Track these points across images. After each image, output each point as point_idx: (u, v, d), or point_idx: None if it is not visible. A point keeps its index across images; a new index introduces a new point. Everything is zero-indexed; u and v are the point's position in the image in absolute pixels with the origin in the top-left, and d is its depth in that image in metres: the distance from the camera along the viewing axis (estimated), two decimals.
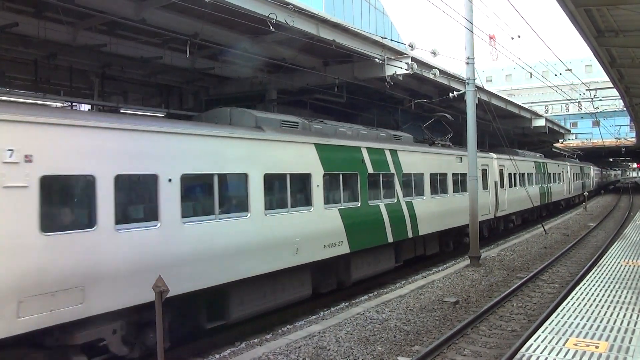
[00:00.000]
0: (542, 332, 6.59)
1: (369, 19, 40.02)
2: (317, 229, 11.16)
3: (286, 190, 10.50)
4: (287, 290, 10.64)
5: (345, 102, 16.81)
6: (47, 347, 6.90)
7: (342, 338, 8.96)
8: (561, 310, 7.62)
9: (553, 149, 47.83)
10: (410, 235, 14.79)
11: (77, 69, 13.34)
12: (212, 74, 15.25)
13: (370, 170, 13.06)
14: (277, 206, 10.36)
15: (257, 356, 8.21)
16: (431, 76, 16.05)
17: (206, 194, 8.93)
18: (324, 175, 11.45)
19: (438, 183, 16.91)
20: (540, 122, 33.24)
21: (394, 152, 14.31)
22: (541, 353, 5.85)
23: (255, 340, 9.46)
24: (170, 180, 7.96)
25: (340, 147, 12.23)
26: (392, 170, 14.12)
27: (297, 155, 10.92)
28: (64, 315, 6.52)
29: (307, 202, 11.08)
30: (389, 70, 14.77)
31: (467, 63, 15.76)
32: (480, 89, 18.62)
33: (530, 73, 26.77)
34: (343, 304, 12.15)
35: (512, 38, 45.00)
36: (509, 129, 30.44)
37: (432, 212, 16.22)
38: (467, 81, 15.83)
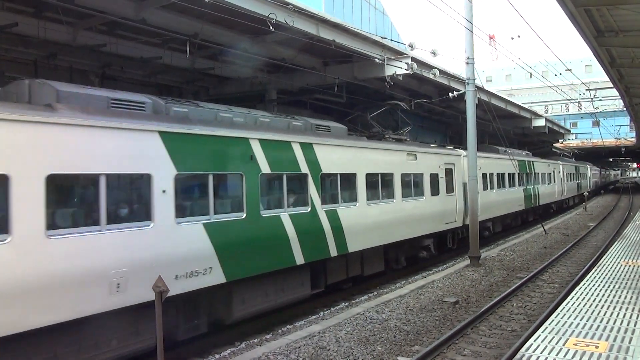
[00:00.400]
0: (542, 332, 6.59)
1: (369, 19, 40.02)
2: (161, 253, 7.82)
3: (98, 200, 7.14)
4: (97, 347, 7.22)
5: (345, 102, 16.82)
6: None
7: (342, 338, 8.96)
8: (561, 310, 7.62)
9: (553, 149, 47.85)
10: (333, 253, 11.58)
11: (77, 69, 13.34)
12: (212, 74, 15.25)
13: (266, 169, 9.87)
14: (78, 223, 7.01)
15: (257, 356, 8.21)
16: (431, 76, 16.07)
17: None
18: (177, 176, 8.23)
19: (380, 186, 13.46)
20: (540, 122, 33.25)
21: (307, 147, 11.01)
22: (541, 353, 5.85)
23: (255, 340, 9.46)
24: None
25: (208, 137, 8.82)
26: (305, 170, 10.86)
27: (124, 147, 7.51)
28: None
29: (144, 215, 7.76)
30: (389, 70, 14.78)
31: (467, 63, 15.76)
32: (480, 89, 18.62)
33: (530, 73, 26.79)
34: (343, 304, 12.14)
35: (512, 38, 45.20)
36: (509, 129, 30.45)
37: (371, 223, 12.93)
38: (467, 81, 15.84)
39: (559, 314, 7.45)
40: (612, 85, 19.12)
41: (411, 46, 14.49)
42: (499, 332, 9.51)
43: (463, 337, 9.19)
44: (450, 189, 17.41)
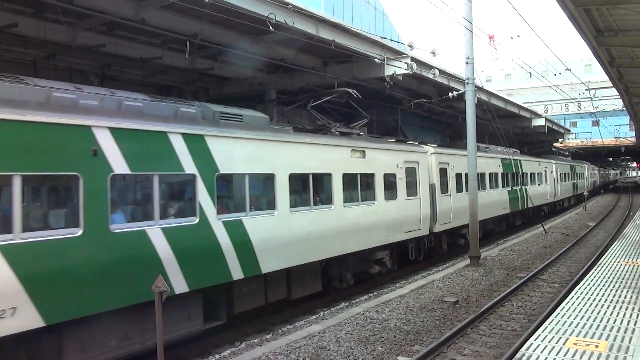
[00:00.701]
0: (542, 332, 6.59)
1: (369, 19, 40.02)
2: None
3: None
4: None
5: (345, 102, 16.82)
6: None
7: (342, 338, 8.96)
8: (561, 310, 7.62)
9: (553, 149, 47.86)
10: (237, 275, 9.08)
11: (76, 69, 13.34)
12: (211, 74, 15.26)
13: (121, 169, 7.42)
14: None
15: (257, 356, 8.21)
16: (431, 76, 16.08)
17: None
18: None
19: (311, 190, 11.07)
20: (540, 122, 33.28)
21: (195, 140, 8.54)
22: (541, 352, 5.85)
23: (255, 340, 9.45)
24: None
25: (19, 124, 6.36)
26: (191, 170, 8.40)
27: None
28: None
29: None
30: (389, 70, 14.79)
31: (467, 63, 15.76)
32: (479, 88, 18.62)
33: (530, 73, 26.80)
34: (343, 303, 12.14)
35: (512, 38, 45.20)
36: (508, 128, 30.46)
37: (298, 235, 10.51)
38: (466, 81, 15.84)
39: (559, 313, 7.45)
40: (611, 85, 19.12)
41: (411, 46, 14.50)
42: (499, 332, 9.51)
43: (463, 336, 9.19)
44: (412, 192, 14.89)
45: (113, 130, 7.37)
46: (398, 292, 12.35)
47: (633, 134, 47.82)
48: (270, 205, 10.02)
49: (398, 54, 15.12)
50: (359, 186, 12.60)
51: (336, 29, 12.92)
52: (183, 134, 8.37)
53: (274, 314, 10.78)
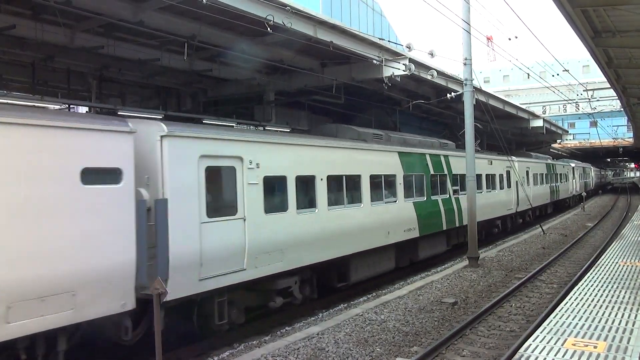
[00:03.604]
0: (541, 333, 6.60)
1: (367, 20, 40.08)
2: None
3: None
4: None
5: (343, 103, 16.83)
6: None
7: (340, 339, 8.95)
8: (559, 311, 7.63)
9: (551, 149, 47.92)
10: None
11: (74, 71, 13.31)
12: (210, 76, 15.24)
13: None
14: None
15: (255, 358, 8.21)
16: (429, 77, 16.08)
17: None
18: None
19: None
20: (538, 123, 33.29)
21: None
22: (540, 353, 5.85)
23: (254, 342, 9.44)
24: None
25: None
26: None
27: None
28: None
29: None
30: (387, 72, 14.78)
31: (465, 64, 15.79)
32: (477, 89, 18.64)
33: (528, 74, 26.82)
34: (342, 305, 12.14)
35: (509, 39, 45.10)
36: (506, 129, 30.46)
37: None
38: (464, 82, 15.86)
39: (557, 314, 7.46)
40: (609, 86, 19.16)
41: (409, 47, 14.48)
42: (497, 333, 9.51)
43: (462, 337, 9.20)
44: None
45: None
46: (397, 293, 12.36)
47: (631, 134, 47.91)
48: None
49: (396, 55, 15.12)
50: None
51: (334, 31, 12.92)
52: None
53: (273, 315, 10.77)
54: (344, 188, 12.49)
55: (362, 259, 13.05)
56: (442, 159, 17.71)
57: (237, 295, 9.60)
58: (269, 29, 10.50)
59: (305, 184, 11.34)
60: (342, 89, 15.61)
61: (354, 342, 8.82)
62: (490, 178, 21.90)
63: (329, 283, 12.42)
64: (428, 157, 16.71)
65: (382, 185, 14.06)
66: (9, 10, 9.91)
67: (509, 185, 23.97)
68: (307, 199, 11.37)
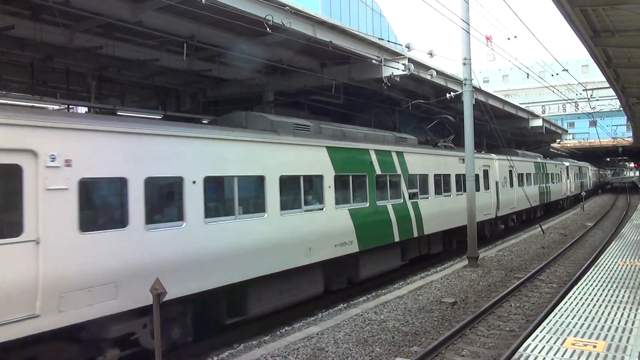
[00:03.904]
0: (540, 332, 6.60)
1: (366, 20, 40.09)
2: None
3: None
4: None
5: (343, 103, 16.83)
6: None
7: (340, 339, 8.95)
8: (559, 310, 7.63)
9: (550, 149, 47.94)
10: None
11: (74, 71, 13.31)
12: (209, 76, 15.24)
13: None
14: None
15: (255, 358, 8.20)
16: (428, 77, 16.09)
17: None
18: None
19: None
20: (538, 123, 33.32)
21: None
22: (539, 353, 5.85)
23: (254, 342, 9.44)
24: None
25: None
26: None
27: None
28: None
29: None
30: (386, 72, 14.78)
31: (464, 64, 15.79)
32: (477, 89, 18.65)
33: (527, 73, 26.83)
34: (341, 305, 12.14)
35: (509, 38, 45.06)
36: (506, 129, 30.47)
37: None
38: (464, 82, 15.86)
39: (557, 313, 7.46)
40: (608, 86, 19.16)
41: (408, 47, 14.48)
42: (497, 333, 9.51)
43: (462, 337, 9.20)
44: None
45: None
46: (396, 293, 12.36)
47: (630, 134, 47.94)
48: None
49: (395, 55, 15.12)
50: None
51: (333, 31, 12.92)
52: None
53: (272, 315, 10.77)
54: (235, 194, 9.48)
55: (267, 284, 10.17)
56: (395, 156, 14.64)
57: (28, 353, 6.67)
58: (268, 29, 10.50)
59: (164, 189, 8.69)
60: (341, 89, 15.61)
61: (353, 342, 8.82)
62: (461, 179, 18.31)
63: (215, 318, 9.56)
64: (373, 154, 13.57)
65: (300, 189, 11.07)
66: (7, 11, 9.91)
67: (486, 187, 21.02)
68: (168, 209, 8.59)
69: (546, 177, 31.67)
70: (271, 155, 10.45)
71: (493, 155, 22.60)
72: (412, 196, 15.35)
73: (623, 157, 78.21)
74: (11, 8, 9.90)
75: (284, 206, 10.58)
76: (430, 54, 14.75)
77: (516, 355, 5.81)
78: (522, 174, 26.17)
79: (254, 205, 10.12)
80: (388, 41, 15.39)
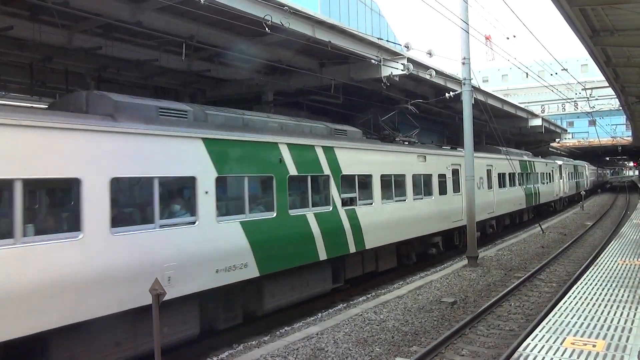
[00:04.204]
0: (540, 332, 6.60)
1: (365, 20, 40.09)
2: None
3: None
4: None
5: (342, 103, 16.82)
6: None
7: (340, 339, 8.95)
8: (559, 310, 7.63)
9: (550, 148, 47.95)
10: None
11: (73, 71, 13.30)
12: (208, 76, 15.24)
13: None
14: None
15: (254, 358, 8.21)
16: (427, 77, 16.10)
17: None
18: None
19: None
20: (537, 122, 33.34)
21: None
22: (539, 352, 5.85)
23: (253, 342, 9.44)
24: None
25: None
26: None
27: None
28: None
29: None
30: (385, 71, 14.79)
31: (463, 63, 15.79)
32: (476, 89, 18.65)
33: (527, 73, 26.85)
34: (341, 305, 12.14)
35: (508, 38, 45.05)
36: (505, 128, 30.48)
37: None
38: (463, 81, 15.87)
39: (556, 313, 7.46)
40: (608, 85, 19.17)
41: (407, 47, 14.49)
42: (497, 332, 9.52)
43: (461, 337, 9.20)
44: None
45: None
46: (396, 292, 12.36)
47: (630, 133, 47.98)
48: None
49: (394, 55, 15.13)
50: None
51: (332, 30, 12.92)
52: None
53: (272, 315, 10.76)
54: (13, 205, 6.44)
55: (90, 331, 7.20)
56: (321, 153, 11.67)
57: None
58: (267, 29, 10.51)
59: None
60: (340, 89, 15.61)
61: (353, 342, 8.82)
62: (420, 180, 15.94)
63: None
64: (285, 150, 10.64)
65: (153, 197, 8.09)
66: (6, 12, 9.90)
67: (456, 189, 18.28)
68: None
69: (534, 177, 28.99)
70: (92, 148, 7.34)
71: (453, 153, 19.52)
72: (348, 202, 12.42)
73: (622, 156, 78.26)
74: (10, 9, 9.90)
75: (121, 221, 7.62)
76: (430, 54, 14.77)
77: (516, 355, 5.81)
78: (503, 174, 23.30)
79: (64, 222, 7.20)
80: (387, 41, 15.40)
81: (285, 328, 10.34)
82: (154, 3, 10.06)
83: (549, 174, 33.06)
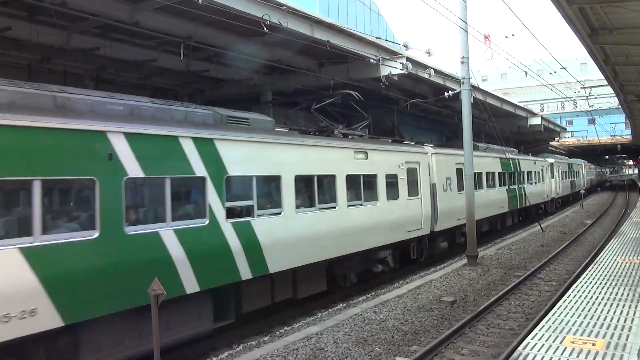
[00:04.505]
0: (540, 330, 6.59)
1: (364, 19, 40.08)
2: None
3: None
4: None
5: (341, 103, 16.81)
6: None
7: (339, 339, 8.94)
8: (558, 308, 7.62)
9: (549, 147, 47.99)
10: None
11: (71, 72, 13.30)
12: (207, 76, 15.23)
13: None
14: None
15: (254, 358, 8.19)
16: (426, 76, 16.11)
17: None
18: None
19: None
20: (536, 121, 33.38)
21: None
22: (538, 351, 5.84)
23: (253, 343, 9.43)
24: None
25: None
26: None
27: None
28: None
29: None
30: (384, 71, 14.79)
31: (462, 62, 15.79)
32: (475, 88, 18.64)
33: (526, 72, 26.85)
34: (341, 304, 12.13)
35: (506, 37, 45.05)
36: (505, 127, 30.48)
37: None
38: (462, 80, 15.86)
39: (556, 312, 7.45)
40: (606, 83, 19.17)
41: (406, 46, 14.50)
42: (497, 331, 9.51)
43: (461, 336, 9.19)
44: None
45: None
46: (396, 292, 12.35)
47: (629, 131, 48.01)
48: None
49: (393, 54, 15.13)
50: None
51: (331, 30, 12.92)
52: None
53: (272, 315, 10.76)
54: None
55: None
56: (191, 147, 8.71)
57: None
58: (265, 28, 10.51)
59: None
60: (339, 89, 15.60)
61: (353, 342, 8.81)
62: (359, 182, 12.79)
63: None
64: (121, 142, 7.65)
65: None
66: (4, 12, 9.90)
67: (413, 193, 15.00)
68: None
69: (520, 177, 26.13)
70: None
71: (427, 148, 16.86)
72: (240, 213, 9.52)
73: (622, 154, 78.31)
74: (7, 10, 9.89)
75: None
76: (428, 53, 14.75)
77: (515, 354, 5.80)
78: (479, 173, 20.31)
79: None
80: (386, 40, 15.41)
81: (285, 328, 10.34)
82: (152, 3, 10.06)
83: (538, 173, 30.29)
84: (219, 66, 14.38)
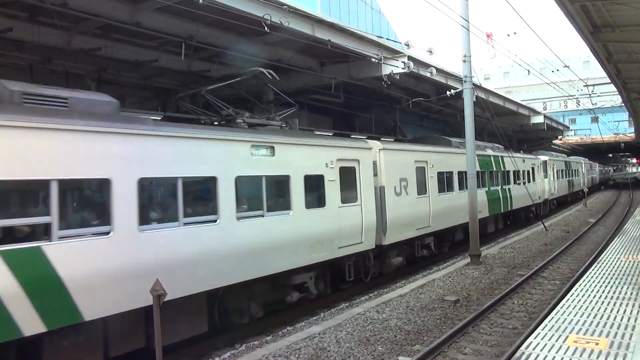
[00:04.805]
0: (543, 330, 6.56)
1: (365, 18, 40.01)
2: None
3: None
4: None
5: (343, 102, 16.80)
6: None
7: (342, 339, 8.92)
8: (561, 307, 7.59)
9: (552, 145, 47.87)
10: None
11: (73, 73, 13.30)
12: (208, 76, 15.21)
13: None
14: None
15: (257, 358, 8.18)
16: (428, 74, 16.08)
17: None
18: None
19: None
20: (539, 119, 33.28)
21: None
22: (541, 351, 5.82)
23: (255, 342, 9.42)
24: None
25: None
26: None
27: None
28: None
29: None
30: (386, 70, 14.77)
31: (464, 61, 15.74)
32: (477, 86, 18.59)
33: (528, 70, 26.76)
34: (343, 304, 12.11)
35: (508, 35, 44.97)
36: (507, 126, 30.41)
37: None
38: (464, 79, 15.82)
39: (559, 311, 7.42)
40: (609, 81, 19.10)
41: (407, 45, 14.47)
42: (500, 330, 9.48)
43: (464, 335, 9.17)
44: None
45: None
46: (398, 291, 12.32)
47: (632, 129, 47.84)
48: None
49: (395, 53, 15.09)
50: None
51: (332, 29, 12.90)
52: None
53: (274, 315, 10.75)
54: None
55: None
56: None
57: None
58: (266, 28, 10.50)
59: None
60: (341, 88, 15.59)
61: (355, 342, 8.79)
62: (260, 187, 9.90)
63: None
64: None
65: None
66: (5, 13, 9.91)
67: (348, 199, 12.19)
68: None
69: (504, 177, 23.09)
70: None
71: (373, 143, 13.77)
72: (25, 236, 6.54)
73: (625, 152, 78.05)
74: (8, 10, 9.90)
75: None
76: (430, 52, 14.74)
77: (518, 353, 5.78)
78: (449, 173, 17.60)
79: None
80: (387, 39, 15.36)
81: (288, 328, 10.32)
82: (153, 3, 10.05)
83: (528, 172, 27.13)
84: (220, 66, 14.38)
